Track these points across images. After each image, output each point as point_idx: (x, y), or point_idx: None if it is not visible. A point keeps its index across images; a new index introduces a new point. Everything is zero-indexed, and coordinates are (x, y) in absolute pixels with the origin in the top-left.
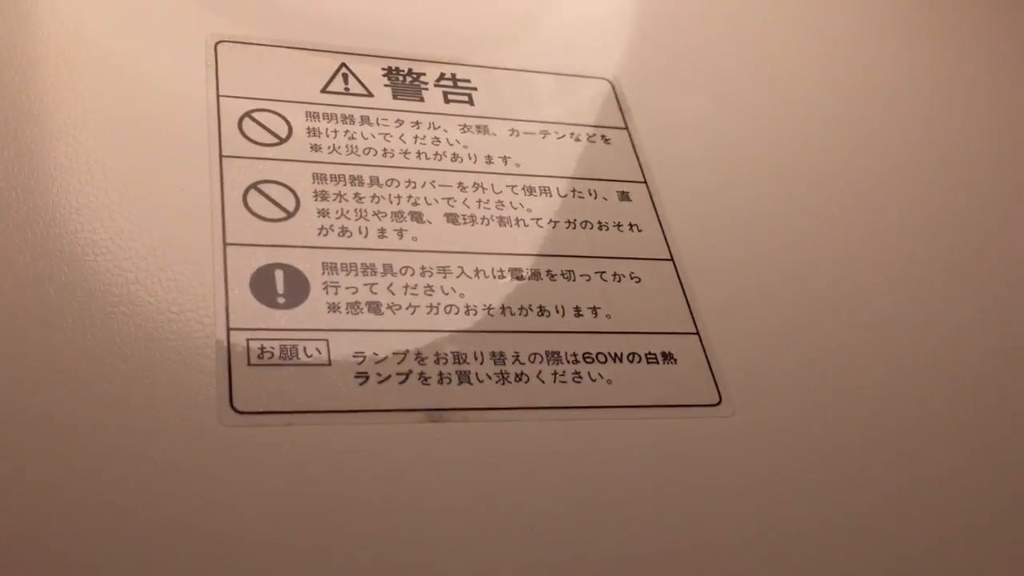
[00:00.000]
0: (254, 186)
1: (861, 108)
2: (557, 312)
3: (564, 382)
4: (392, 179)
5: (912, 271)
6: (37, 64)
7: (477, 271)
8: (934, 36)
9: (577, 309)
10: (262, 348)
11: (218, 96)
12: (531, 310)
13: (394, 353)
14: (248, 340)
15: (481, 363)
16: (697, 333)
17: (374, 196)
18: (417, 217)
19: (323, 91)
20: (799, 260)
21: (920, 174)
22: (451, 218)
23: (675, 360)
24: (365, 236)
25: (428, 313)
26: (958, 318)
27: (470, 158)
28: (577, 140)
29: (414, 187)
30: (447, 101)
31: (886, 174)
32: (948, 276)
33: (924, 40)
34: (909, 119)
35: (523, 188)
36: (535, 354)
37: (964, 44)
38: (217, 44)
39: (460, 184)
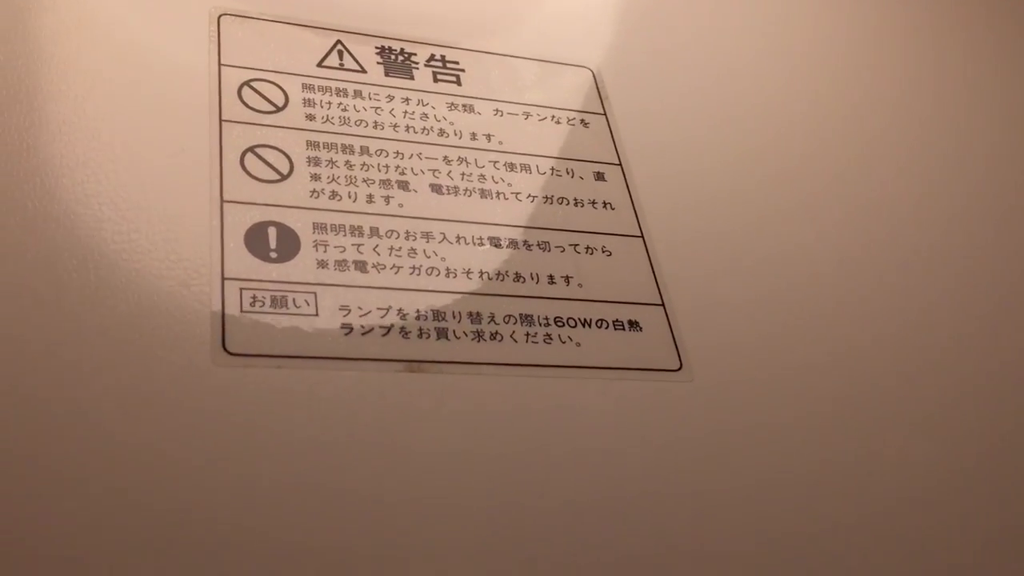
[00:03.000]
0: (251, 149)
1: (832, 100)
2: (532, 279)
3: (536, 343)
4: (381, 149)
5: (881, 254)
6: (45, 29)
7: (459, 238)
8: (911, 33)
9: (551, 277)
10: (254, 297)
11: (219, 65)
12: (507, 276)
13: (378, 308)
14: (241, 289)
15: (459, 321)
16: (662, 304)
17: (364, 164)
18: (404, 186)
19: (319, 65)
20: (763, 241)
21: (890, 159)
22: (436, 188)
23: (640, 328)
24: (354, 200)
25: (411, 273)
26: (924, 295)
27: (456, 134)
28: (558, 123)
29: (402, 158)
30: (436, 80)
31: (856, 161)
32: (918, 255)
33: (900, 36)
34: (878, 109)
35: (505, 164)
36: (510, 316)
37: (958, 37)
38: (220, 17)
39: (445, 157)
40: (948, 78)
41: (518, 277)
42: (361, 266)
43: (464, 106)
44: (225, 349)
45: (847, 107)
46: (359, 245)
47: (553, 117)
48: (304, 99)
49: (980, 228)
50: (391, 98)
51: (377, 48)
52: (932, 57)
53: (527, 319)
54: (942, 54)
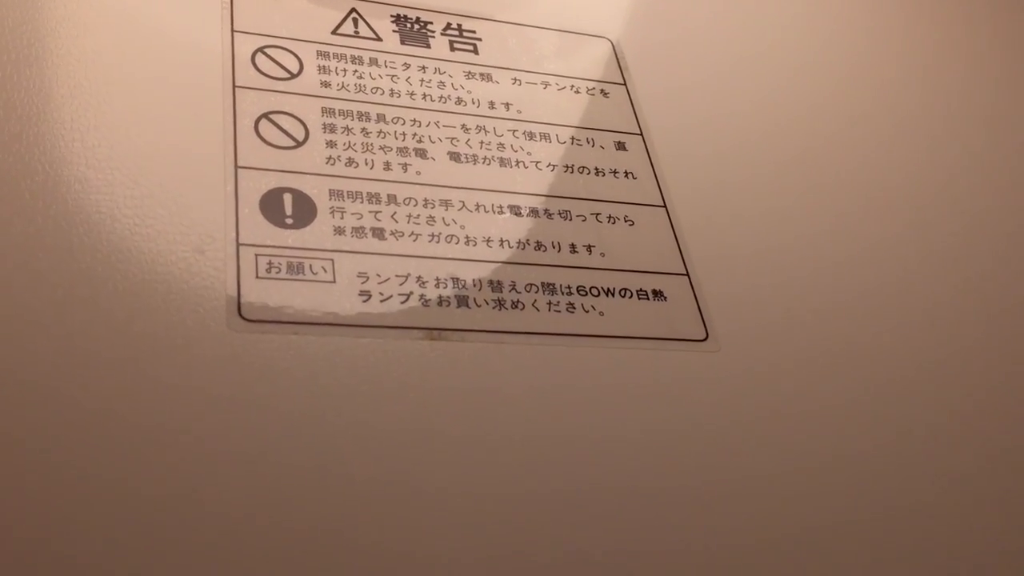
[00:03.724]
0: (265, 116)
1: (860, 78)
2: (553, 248)
3: (558, 311)
4: (398, 117)
5: (908, 234)
6: None
7: (478, 206)
8: (955, 12)
9: (573, 246)
10: (270, 263)
11: (232, 31)
12: (528, 244)
13: (396, 275)
14: (256, 255)
15: (479, 289)
16: (687, 274)
17: (380, 132)
18: (421, 153)
19: (334, 33)
20: (789, 214)
21: (923, 136)
22: (454, 156)
23: (665, 298)
24: (371, 167)
25: (430, 241)
26: (953, 278)
27: (473, 103)
28: (577, 92)
29: (419, 126)
30: (453, 49)
31: (888, 138)
32: (945, 239)
33: (941, 17)
34: (911, 86)
35: (524, 133)
36: (531, 284)
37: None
38: None
39: (463, 126)
40: (981, 60)
41: (539, 246)
42: (379, 233)
43: (482, 75)
44: (241, 315)
45: (879, 80)
46: (376, 212)
47: (572, 87)
48: (319, 66)
49: (1016, 213)
50: (407, 66)
51: (392, 16)
52: (964, 37)
53: (549, 288)
54: (979, 35)
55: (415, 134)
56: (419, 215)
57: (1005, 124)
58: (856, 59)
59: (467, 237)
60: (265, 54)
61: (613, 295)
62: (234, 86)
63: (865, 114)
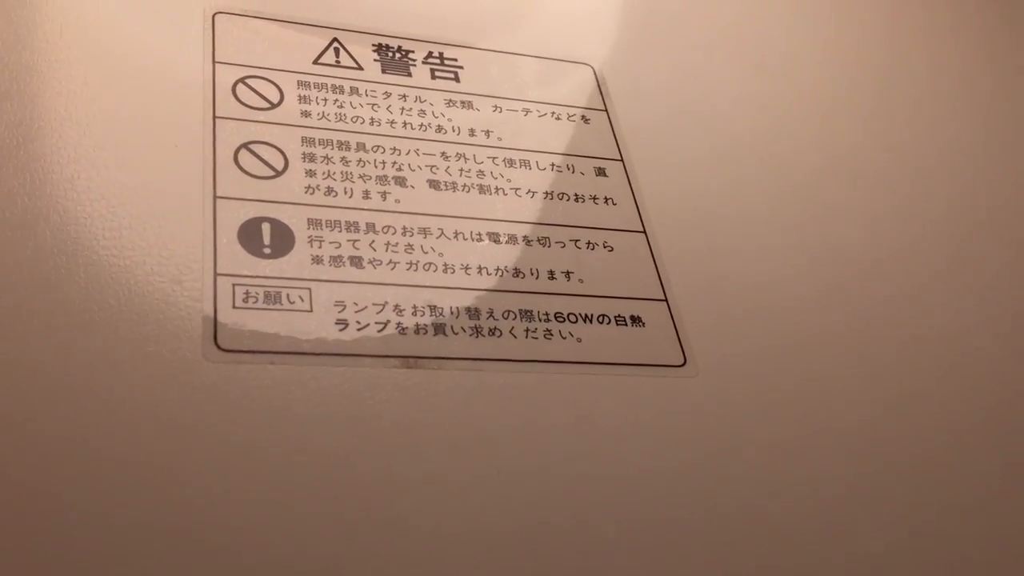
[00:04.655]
0: (245, 146)
1: (842, 107)
2: (532, 274)
3: (536, 338)
4: (378, 146)
5: (889, 252)
6: (37, 26)
7: (457, 234)
8: (920, 30)
9: (551, 273)
10: (247, 293)
11: (214, 62)
12: (507, 272)
13: (374, 304)
14: (234, 285)
15: (456, 317)
16: (666, 300)
17: (360, 160)
18: (401, 182)
19: (315, 63)
20: (767, 237)
21: (903, 167)
22: (433, 184)
23: (643, 323)
24: (350, 196)
25: (407, 269)
26: (930, 296)
27: (454, 130)
28: (558, 119)
29: (399, 154)
30: (434, 77)
31: (866, 159)
32: (926, 256)
33: (909, 33)
34: (889, 109)
35: (504, 160)
36: (509, 311)
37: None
38: (215, 15)
39: (443, 153)
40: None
41: (518, 273)
42: (357, 262)
43: (463, 103)
44: (217, 345)
45: (855, 105)
46: (355, 241)
47: (553, 113)
48: (300, 96)
49: (1011, 232)
50: (388, 95)
51: (374, 46)
52: (954, 60)
53: (527, 315)
54: (956, 56)
55: (395, 162)
56: (397, 243)
57: (996, 150)
58: (840, 88)
59: (445, 265)
60: (246, 84)
61: (591, 321)
62: (214, 117)
63: (848, 143)
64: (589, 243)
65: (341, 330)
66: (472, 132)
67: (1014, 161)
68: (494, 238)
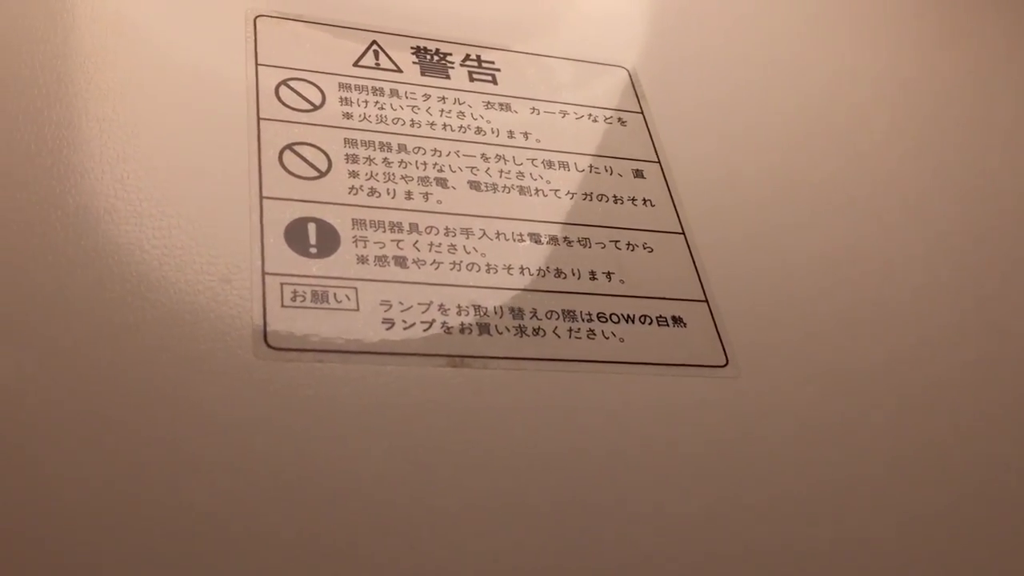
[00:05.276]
0: (289, 147)
1: (878, 100)
2: (573, 275)
3: (579, 338)
4: (419, 147)
5: (921, 253)
6: (83, 30)
7: (498, 234)
8: (961, 36)
9: (592, 273)
10: (295, 292)
11: (256, 65)
12: (549, 272)
13: (419, 303)
14: (282, 284)
15: (500, 317)
16: (706, 301)
17: (402, 162)
18: (442, 183)
19: (355, 65)
20: (806, 237)
21: (936, 161)
22: (474, 185)
23: (684, 324)
24: (393, 197)
25: (451, 269)
26: (965, 296)
27: (493, 132)
28: (595, 121)
29: (439, 155)
30: (472, 80)
31: (900, 161)
32: (957, 257)
33: (945, 39)
34: (923, 110)
35: (543, 162)
36: (552, 311)
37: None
38: (256, 18)
39: (483, 155)
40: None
41: (559, 273)
42: (401, 261)
43: (501, 105)
44: (267, 343)
45: (892, 106)
46: (399, 241)
47: (590, 116)
48: (341, 98)
49: None
50: (427, 97)
51: (412, 48)
52: (981, 56)
53: (569, 315)
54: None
55: (436, 163)
56: (440, 243)
57: None
58: (874, 82)
59: (488, 265)
60: (288, 86)
61: (633, 321)
62: (259, 118)
63: (882, 135)
64: (629, 244)
65: (387, 329)
66: (511, 134)
67: None
68: (535, 239)
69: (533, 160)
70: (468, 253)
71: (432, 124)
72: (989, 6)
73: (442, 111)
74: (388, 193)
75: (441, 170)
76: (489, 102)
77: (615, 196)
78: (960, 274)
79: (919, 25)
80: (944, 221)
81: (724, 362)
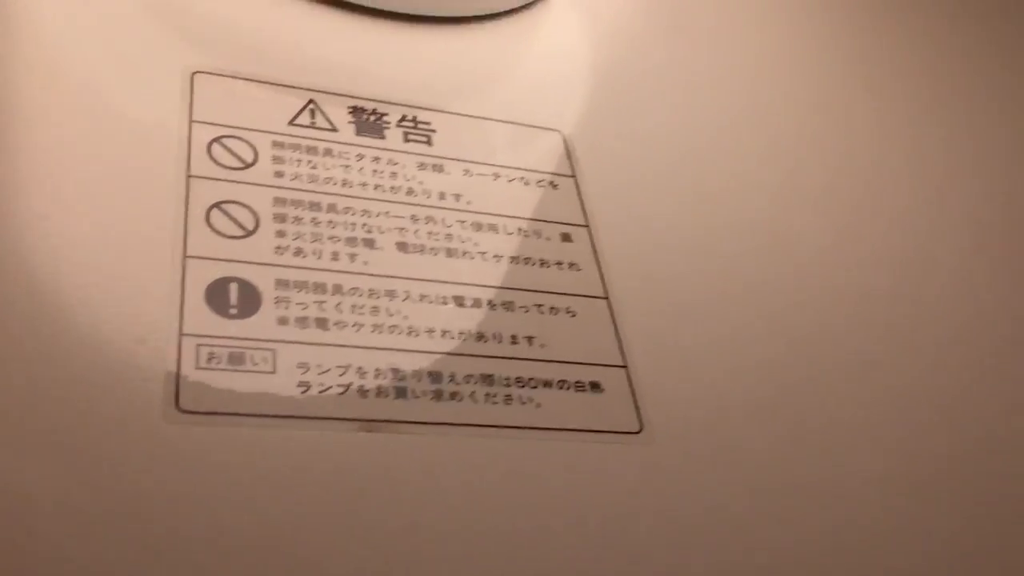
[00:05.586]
0: (217, 205)
1: (810, 168)
2: (495, 339)
3: (496, 403)
4: (349, 207)
5: (844, 330)
6: (13, 82)
7: (422, 296)
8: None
9: (514, 337)
10: (211, 354)
11: (191, 122)
12: (470, 336)
13: (337, 366)
14: (198, 346)
15: (419, 380)
16: (625, 366)
17: (330, 222)
18: (370, 243)
19: (290, 123)
20: (729, 305)
21: (869, 234)
22: (402, 247)
23: (602, 389)
24: (319, 257)
25: (372, 332)
26: (883, 374)
27: (424, 193)
28: (526, 184)
29: (369, 216)
30: (407, 140)
31: (832, 232)
32: (881, 332)
33: (894, 100)
34: (857, 180)
35: (472, 224)
36: (470, 375)
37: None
38: (194, 74)
39: (413, 216)
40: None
41: (481, 337)
42: (322, 323)
43: (434, 166)
44: (178, 407)
45: (825, 175)
46: (321, 302)
47: (522, 179)
48: (274, 156)
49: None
50: (361, 157)
51: (350, 108)
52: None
53: (488, 379)
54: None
55: (365, 224)
56: (363, 305)
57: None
58: (815, 148)
59: (410, 328)
60: (221, 144)
61: (551, 387)
62: (188, 176)
63: (817, 207)
64: (552, 308)
65: (303, 392)
66: (442, 195)
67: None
68: (459, 301)
69: (462, 222)
70: (391, 316)
71: (364, 184)
72: (927, 91)
73: (375, 171)
74: (314, 254)
75: (370, 231)
76: (422, 163)
77: (542, 260)
78: (884, 352)
79: (863, 97)
80: (875, 293)
81: (638, 428)
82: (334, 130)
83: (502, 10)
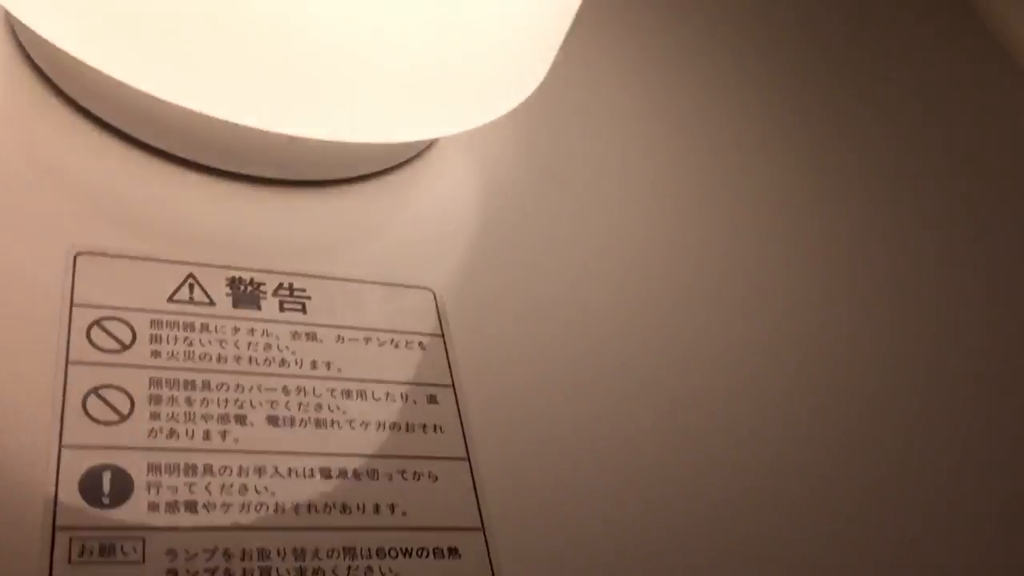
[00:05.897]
0: (94, 391)
1: (682, 326)
2: (358, 509)
3: None
4: (223, 383)
5: (719, 480)
6: None
7: (290, 471)
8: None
9: (376, 507)
10: (83, 547)
11: (72, 306)
12: (335, 508)
13: (204, 550)
14: (71, 539)
15: (283, 559)
16: (482, 529)
17: (204, 400)
18: (241, 419)
19: (170, 300)
20: (587, 466)
21: (742, 397)
22: (272, 420)
23: (459, 555)
24: (191, 438)
25: (240, 511)
26: (755, 522)
27: (296, 363)
28: (396, 347)
29: (242, 391)
30: (282, 309)
31: (690, 391)
32: (751, 481)
33: (775, 257)
34: (728, 339)
35: (342, 392)
36: (333, 549)
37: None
38: (77, 256)
39: (284, 388)
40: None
41: (344, 508)
42: (191, 507)
43: (307, 334)
44: None
45: (695, 332)
46: (191, 484)
47: (392, 341)
48: (151, 335)
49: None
50: (237, 330)
51: (228, 279)
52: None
53: (350, 552)
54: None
55: (237, 400)
56: (233, 484)
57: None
58: (689, 308)
59: (276, 504)
60: (101, 326)
61: (410, 555)
62: (67, 362)
63: (690, 358)
64: (415, 473)
65: None
66: (314, 364)
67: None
68: (325, 473)
69: (332, 391)
70: (259, 493)
71: (238, 358)
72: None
73: (250, 344)
74: (187, 434)
75: (241, 406)
76: (296, 332)
77: (407, 424)
78: (750, 511)
79: (751, 242)
80: (750, 463)
81: None
82: (212, 304)
83: (381, 168)
